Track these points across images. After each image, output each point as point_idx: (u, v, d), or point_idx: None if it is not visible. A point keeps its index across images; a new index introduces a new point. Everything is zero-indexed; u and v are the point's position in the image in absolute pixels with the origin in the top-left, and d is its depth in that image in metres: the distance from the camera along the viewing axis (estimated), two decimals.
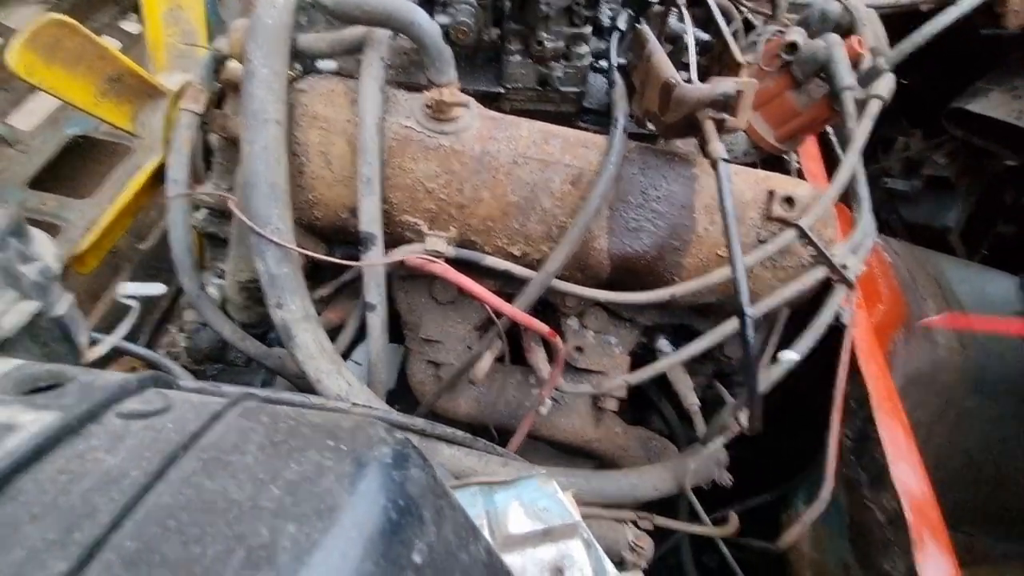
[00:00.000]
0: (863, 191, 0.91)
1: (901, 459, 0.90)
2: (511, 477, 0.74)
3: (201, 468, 0.34)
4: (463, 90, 0.88)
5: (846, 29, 0.99)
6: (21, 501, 0.30)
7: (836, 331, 1.06)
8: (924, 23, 1.27)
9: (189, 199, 1.09)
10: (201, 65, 1.04)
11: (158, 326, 1.68)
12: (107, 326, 0.88)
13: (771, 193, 0.90)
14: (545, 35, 0.92)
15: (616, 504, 0.97)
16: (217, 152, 1.11)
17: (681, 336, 1.13)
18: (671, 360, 0.92)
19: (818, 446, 1.04)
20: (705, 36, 0.99)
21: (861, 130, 0.89)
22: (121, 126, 1.26)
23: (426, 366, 1.09)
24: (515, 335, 1.07)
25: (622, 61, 1.05)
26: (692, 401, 1.11)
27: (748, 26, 1.17)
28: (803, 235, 0.86)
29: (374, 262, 0.86)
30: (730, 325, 0.87)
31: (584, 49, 0.98)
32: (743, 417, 0.91)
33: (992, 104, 1.57)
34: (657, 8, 1.08)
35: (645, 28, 0.91)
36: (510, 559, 0.70)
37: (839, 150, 1.28)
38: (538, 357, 1.04)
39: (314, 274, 1.10)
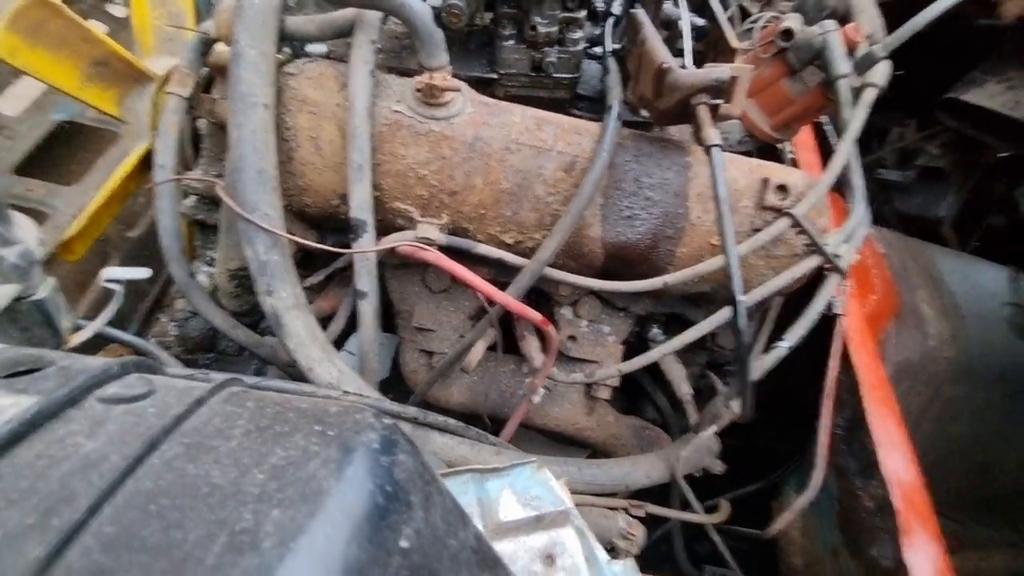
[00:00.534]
0: (858, 180, 0.91)
1: (891, 447, 0.91)
2: (503, 465, 0.74)
3: (184, 453, 0.33)
4: (455, 75, 0.87)
5: (842, 16, 0.98)
6: None
7: (828, 321, 1.06)
8: (920, 11, 1.27)
9: (178, 186, 1.07)
10: (188, 48, 1.02)
11: (148, 315, 1.66)
12: (96, 315, 0.87)
13: (765, 181, 0.90)
14: (539, 19, 0.91)
15: (609, 492, 0.98)
16: (206, 138, 1.09)
17: (674, 326, 1.13)
18: (664, 349, 0.91)
19: (809, 435, 1.04)
20: (700, 21, 0.98)
21: (856, 118, 0.89)
22: (108, 111, 1.24)
23: (419, 355, 1.09)
24: (508, 324, 1.07)
25: (617, 47, 1.04)
26: (685, 390, 1.11)
27: (744, 13, 1.16)
28: (796, 223, 0.85)
29: (365, 249, 0.85)
30: (723, 314, 0.87)
31: (578, 34, 0.96)
32: (735, 406, 0.91)
33: (986, 94, 1.57)
34: None
35: (640, 13, 0.89)
36: (502, 546, 0.70)
37: (833, 139, 1.28)
38: (531, 346, 1.03)
39: (305, 262, 1.09)
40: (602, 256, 0.94)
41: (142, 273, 0.69)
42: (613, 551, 0.93)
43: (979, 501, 1.59)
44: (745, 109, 1.04)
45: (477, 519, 0.71)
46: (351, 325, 0.96)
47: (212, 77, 1.07)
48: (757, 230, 0.91)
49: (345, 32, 0.86)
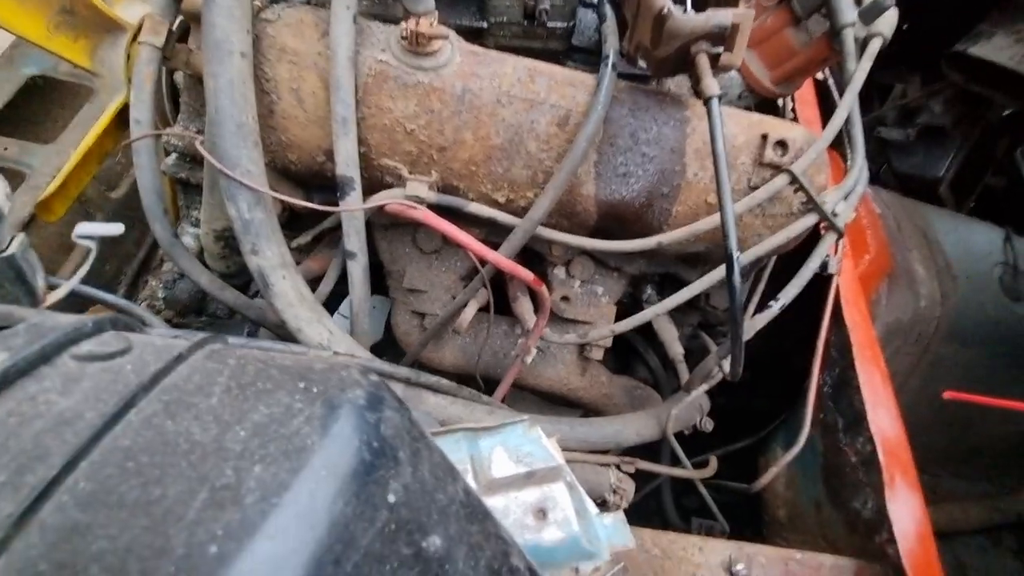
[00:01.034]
0: (858, 135, 0.88)
1: (878, 404, 0.92)
2: (495, 424, 0.75)
3: (162, 410, 0.32)
4: (443, 24, 0.82)
5: None
6: None
7: (822, 281, 1.06)
8: None
9: (158, 141, 1.03)
10: None
11: (136, 279, 1.64)
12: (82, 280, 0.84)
13: (764, 137, 0.87)
14: None
15: (600, 450, 0.99)
16: (184, 92, 1.04)
17: (668, 286, 1.13)
18: (657, 309, 0.91)
19: (799, 396, 1.06)
20: None
21: (860, 70, 0.86)
22: (79, 63, 1.18)
23: (411, 316, 1.08)
24: (501, 286, 1.06)
25: None
26: (677, 350, 1.12)
27: None
28: (794, 180, 0.84)
29: (352, 207, 0.83)
30: (717, 273, 0.86)
31: None
32: (727, 365, 0.92)
33: (993, 48, 1.52)
34: None
35: None
36: (493, 502, 0.71)
37: (836, 94, 1.24)
38: (524, 307, 1.03)
39: (293, 224, 1.06)
40: (596, 215, 0.92)
41: (116, 229, 0.67)
42: (604, 505, 0.96)
43: (959, 456, 1.64)
44: (746, 61, 1.00)
45: (469, 476, 0.72)
46: (343, 289, 0.94)
47: (188, 26, 1.02)
48: (755, 188, 0.89)
49: None
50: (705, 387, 1.00)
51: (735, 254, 0.67)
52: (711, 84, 0.69)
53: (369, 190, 0.88)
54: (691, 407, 1.03)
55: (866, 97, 2.23)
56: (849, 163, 0.90)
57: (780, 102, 1.19)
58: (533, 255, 1.05)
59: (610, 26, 0.92)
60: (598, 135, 0.85)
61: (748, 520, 1.22)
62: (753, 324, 0.91)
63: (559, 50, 1.02)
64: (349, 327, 0.94)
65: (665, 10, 0.69)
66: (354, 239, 0.86)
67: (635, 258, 1.05)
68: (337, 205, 0.84)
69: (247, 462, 0.30)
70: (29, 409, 0.31)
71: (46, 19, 1.08)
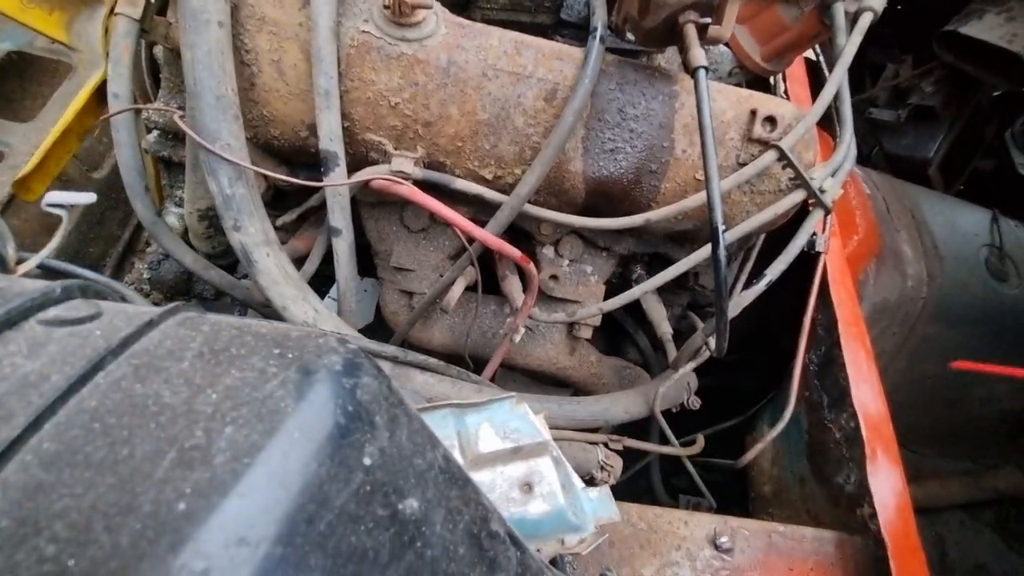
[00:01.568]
0: (847, 111, 0.88)
1: (862, 380, 0.93)
2: (482, 400, 0.75)
3: (132, 373, 0.32)
4: None
5: None
6: None
7: (810, 259, 1.06)
8: None
9: (138, 118, 1.01)
10: None
11: (121, 260, 1.62)
12: (57, 255, 0.83)
13: (753, 112, 0.87)
14: None
15: (589, 428, 1.00)
16: (164, 67, 1.02)
17: (657, 266, 1.12)
18: (645, 287, 0.91)
19: (785, 374, 1.07)
20: None
21: (850, 44, 0.85)
22: (56, 37, 1.15)
23: (399, 296, 1.07)
24: (491, 266, 1.05)
25: None
26: (665, 330, 1.12)
27: None
28: (783, 156, 0.83)
29: (337, 183, 0.81)
30: (705, 251, 0.86)
31: None
32: (713, 342, 0.92)
33: (986, 26, 1.51)
34: None
35: None
36: (480, 476, 0.71)
37: (826, 71, 1.23)
38: (512, 286, 1.02)
39: (278, 202, 1.05)
40: (584, 192, 0.92)
41: (87, 198, 0.65)
42: (592, 482, 0.96)
43: (943, 435, 1.67)
44: (736, 36, 0.99)
45: (456, 452, 0.72)
46: (334, 272, 0.93)
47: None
48: (743, 165, 0.88)
49: None
50: (692, 365, 1.00)
51: (720, 227, 0.67)
52: (698, 55, 0.69)
53: (354, 167, 0.87)
54: (679, 385, 1.03)
55: (858, 78, 2.23)
56: (838, 140, 0.90)
57: (772, 81, 1.18)
58: (522, 234, 1.05)
59: None
60: (586, 109, 0.84)
61: (736, 499, 1.24)
62: (740, 300, 0.91)
63: (547, 24, 1.00)
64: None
65: None
66: (339, 216, 0.85)
67: (624, 237, 1.05)
68: (322, 182, 0.83)
69: (218, 424, 0.30)
70: None
71: None
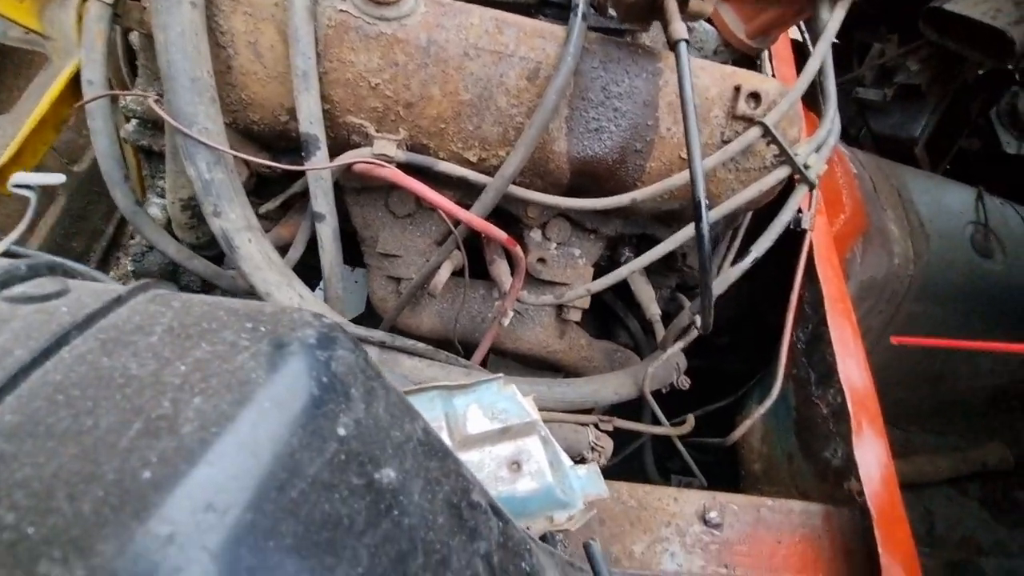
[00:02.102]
0: (831, 86, 0.88)
1: (848, 356, 0.94)
2: (470, 382, 0.74)
3: (98, 347, 0.31)
4: None
5: None
6: None
7: (796, 237, 1.06)
8: None
9: (115, 106, 0.99)
10: None
11: (106, 254, 1.60)
12: (41, 248, 0.81)
13: (737, 89, 0.86)
14: None
15: (579, 409, 1.00)
16: (140, 53, 1.00)
17: (645, 248, 1.12)
18: (632, 266, 0.91)
19: (774, 356, 1.07)
20: None
21: (834, 19, 0.85)
22: (27, 25, 1.12)
23: (386, 282, 1.07)
24: (479, 250, 1.05)
25: None
26: (654, 311, 1.12)
27: None
28: (767, 132, 0.83)
29: (318, 166, 0.80)
30: (691, 230, 0.86)
31: None
32: (699, 320, 0.92)
33: (969, 3, 1.51)
34: None
35: None
36: (468, 456, 0.71)
37: (811, 47, 1.23)
38: (500, 270, 1.02)
39: (261, 190, 1.03)
40: (569, 172, 0.91)
41: (55, 179, 0.64)
42: (582, 462, 0.97)
43: (930, 411, 1.69)
44: (721, 14, 0.98)
45: (444, 434, 0.72)
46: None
47: None
48: (728, 142, 0.88)
49: None
50: (681, 344, 1.00)
51: (703, 200, 0.67)
52: (679, 28, 0.68)
53: (336, 151, 0.86)
54: (667, 365, 1.03)
55: (845, 59, 2.22)
56: (822, 115, 0.90)
57: (758, 60, 1.17)
58: (509, 218, 1.04)
59: None
60: (569, 88, 0.83)
61: (727, 479, 1.26)
62: (727, 277, 0.91)
63: (530, 3, 0.98)
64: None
65: None
66: (322, 200, 0.84)
67: (611, 219, 1.05)
68: (303, 167, 0.82)
69: (186, 394, 0.29)
70: None
71: None
